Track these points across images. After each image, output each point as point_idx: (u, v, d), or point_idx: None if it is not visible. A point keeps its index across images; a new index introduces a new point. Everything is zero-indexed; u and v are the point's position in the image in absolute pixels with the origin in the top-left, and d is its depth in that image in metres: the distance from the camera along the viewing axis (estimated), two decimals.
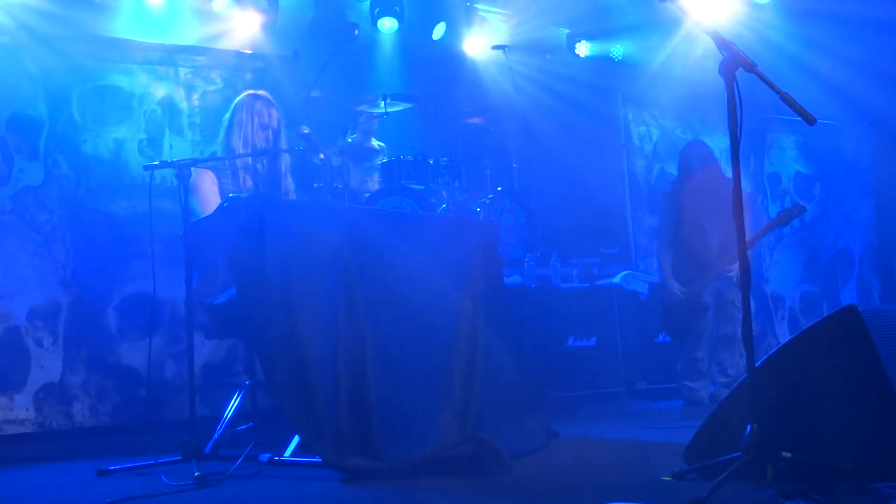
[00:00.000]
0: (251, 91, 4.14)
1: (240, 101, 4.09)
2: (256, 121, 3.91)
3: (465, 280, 3.33)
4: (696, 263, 5.38)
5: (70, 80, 5.30)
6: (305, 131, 3.86)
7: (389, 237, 3.30)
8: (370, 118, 5.86)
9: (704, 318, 5.40)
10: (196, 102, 5.75)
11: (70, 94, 5.36)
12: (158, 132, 5.66)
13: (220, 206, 3.33)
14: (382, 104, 5.64)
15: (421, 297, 3.14)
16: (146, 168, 3.58)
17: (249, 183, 3.88)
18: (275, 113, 3.99)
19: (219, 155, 3.95)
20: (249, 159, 3.86)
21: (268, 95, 4.07)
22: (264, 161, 3.93)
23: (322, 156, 4.08)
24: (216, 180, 3.83)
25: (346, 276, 2.99)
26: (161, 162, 3.62)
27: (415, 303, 3.12)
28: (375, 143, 6.13)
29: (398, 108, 5.75)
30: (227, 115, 4.06)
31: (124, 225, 5.44)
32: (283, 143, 3.96)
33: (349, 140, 5.75)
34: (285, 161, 3.98)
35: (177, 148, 5.63)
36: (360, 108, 5.85)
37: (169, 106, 5.70)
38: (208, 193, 3.75)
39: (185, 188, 3.38)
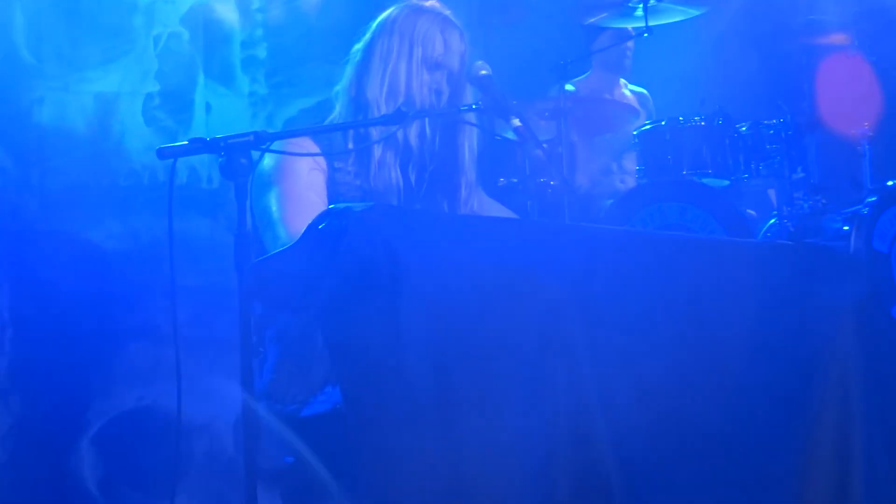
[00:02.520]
0: (411, 1, 3.75)
1: (390, 17, 3.69)
2: (420, 53, 3.59)
3: (819, 374, 3.28)
4: None
5: None
6: (484, 73, 3.59)
7: (661, 288, 3.13)
8: (617, 40, 5.99)
9: None
10: (259, 18, 5.82)
11: (12, 8, 5.36)
12: (184, 78, 5.69)
13: (311, 229, 2.91)
14: (641, 10, 5.32)
15: (731, 404, 3.15)
16: (162, 154, 2.96)
17: (396, 176, 3.60)
18: (457, 42, 3.67)
19: (334, 118, 3.68)
20: (399, 131, 3.54)
21: (443, 9, 3.74)
22: (428, 132, 3.62)
23: (517, 121, 3.56)
24: (324, 166, 3.49)
25: (572, 368, 2.91)
26: (193, 141, 2.99)
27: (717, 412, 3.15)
28: (628, 90, 6.27)
29: (671, 17, 5.49)
30: (360, 45, 3.68)
31: (115, 267, 5.43)
32: (467, 99, 3.69)
33: (570, 88, 5.62)
34: (469, 136, 3.70)
35: (222, 110, 5.73)
36: (590, 19, 5.63)
37: (206, 25, 5.73)
38: (304, 192, 3.42)
39: (241, 191, 2.88)
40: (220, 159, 3.03)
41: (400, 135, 3.65)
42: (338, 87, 3.77)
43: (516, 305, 2.94)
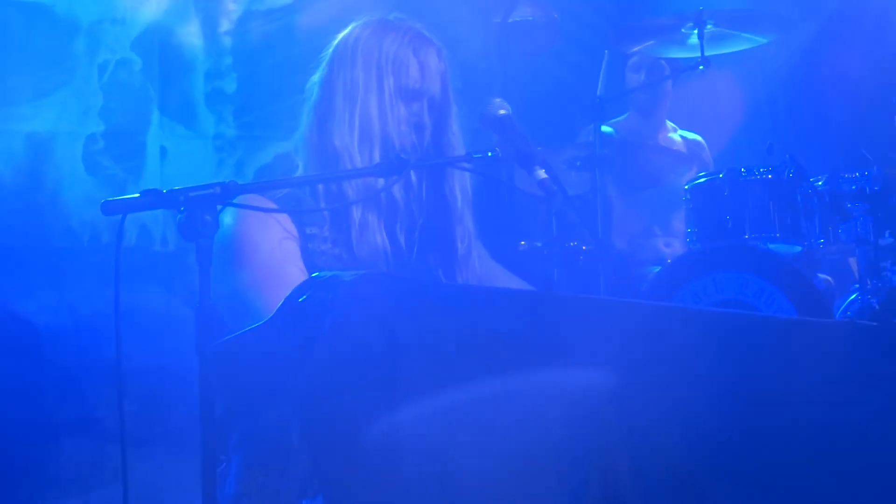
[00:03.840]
0: (371, 17, 3.75)
1: (349, 40, 3.72)
2: (391, 83, 3.63)
3: None
4: None
5: None
6: (502, 112, 3.56)
7: (714, 379, 3.08)
8: (660, 72, 6.08)
9: None
10: (227, 43, 5.99)
11: None
12: (135, 116, 5.84)
13: (289, 302, 2.88)
14: (696, 37, 5.50)
15: None
16: (107, 208, 2.90)
17: (382, 240, 3.63)
18: (434, 61, 3.69)
19: (299, 171, 3.70)
20: (380, 182, 3.52)
21: (412, 22, 3.76)
22: (414, 181, 3.70)
23: (542, 172, 3.43)
24: (295, 233, 3.48)
25: (605, 469, 2.91)
26: (145, 193, 2.98)
27: None
28: (677, 135, 6.37)
29: (732, 46, 5.65)
30: (316, 77, 3.71)
31: (49, 347, 5.46)
32: (456, 142, 3.76)
33: (607, 131, 5.81)
34: (461, 177, 3.78)
35: (181, 155, 5.81)
36: (634, 48, 5.84)
37: (162, 52, 5.90)
38: (282, 267, 3.43)
39: (205, 255, 2.83)
40: (179, 216, 2.98)
41: (381, 183, 3.60)
42: (296, 135, 3.77)
43: (537, 396, 2.90)
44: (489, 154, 3.51)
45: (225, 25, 5.82)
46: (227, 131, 5.84)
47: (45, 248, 5.46)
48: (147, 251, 5.50)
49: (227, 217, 3.40)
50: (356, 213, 3.62)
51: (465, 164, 3.63)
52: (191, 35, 5.76)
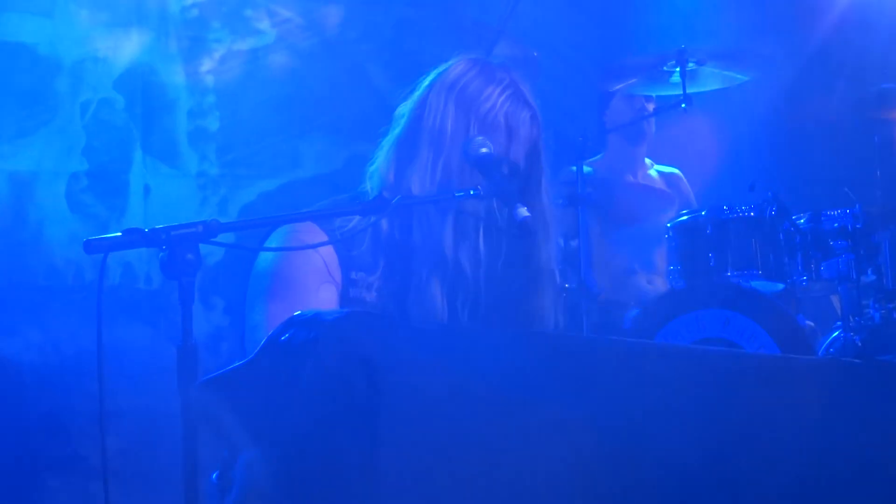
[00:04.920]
0: (474, 56, 3.78)
1: (446, 75, 3.69)
2: (503, 123, 3.63)
3: None
4: None
5: None
6: (484, 150, 3.51)
7: (698, 417, 3.10)
8: (642, 109, 6.06)
9: None
10: (210, 82, 5.98)
11: None
12: (118, 155, 5.85)
13: (271, 341, 2.85)
14: (678, 75, 5.50)
15: None
16: (90, 247, 2.90)
17: (440, 307, 3.58)
18: (527, 126, 3.67)
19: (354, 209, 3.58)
20: (450, 249, 3.60)
21: (515, 75, 3.75)
22: (483, 249, 3.62)
23: (524, 210, 3.39)
24: (339, 275, 3.55)
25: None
26: (128, 232, 3.00)
27: None
28: (654, 171, 6.38)
29: (713, 84, 5.75)
30: (408, 104, 3.65)
31: (32, 385, 5.49)
32: (547, 213, 3.74)
33: (586, 170, 5.72)
34: (546, 248, 3.70)
35: (164, 193, 5.86)
36: (617, 86, 5.87)
37: (144, 91, 5.94)
38: (305, 301, 3.46)
39: (187, 293, 2.85)
40: (162, 254, 2.98)
41: (450, 251, 3.53)
42: (372, 167, 3.65)
43: (520, 435, 2.90)
44: (471, 192, 3.47)
45: (207, 64, 5.85)
46: (210, 170, 5.85)
47: (28, 286, 5.48)
48: (131, 289, 5.51)
49: (273, 244, 3.45)
50: (420, 274, 3.54)
51: (449, 202, 3.48)
52: (173, 74, 5.80)
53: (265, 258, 3.45)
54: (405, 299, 3.58)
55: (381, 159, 3.67)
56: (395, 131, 3.69)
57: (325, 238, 3.45)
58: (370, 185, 3.66)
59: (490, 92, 3.64)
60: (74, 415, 5.36)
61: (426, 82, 3.67)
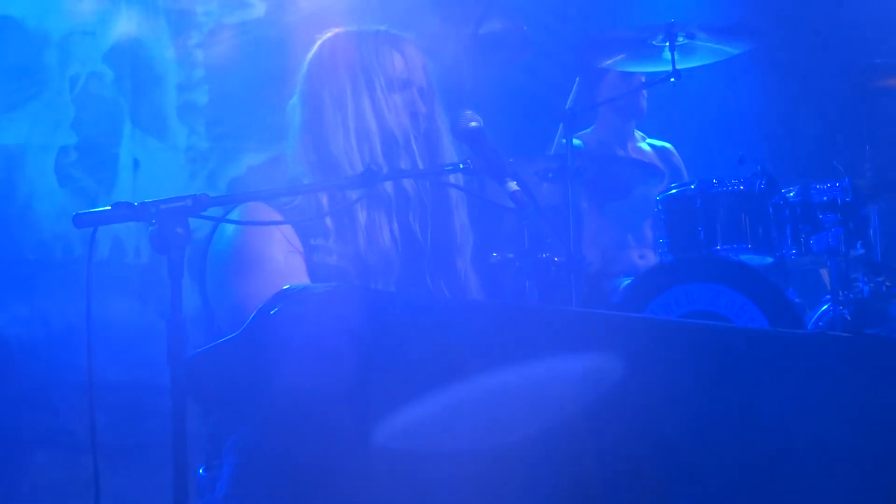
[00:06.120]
0: (334, 30, 3.74)
1: (324, 54, 3.73)
2: (382, 79, 3.62)
3: None
4: None
5: None
6: (473, 125, 3.52)
7: (688, 390, 3.13)
8: (631, 84, 6.03)
9: None
10: (199, 56, 6.01)
11: None
12: (107, 129, 5.86)
13: (261, 314, 2.83)
14: (667, 49, 5.44)
15: None
16: (79, 221, 2.91)
17: (388, 238, 3.61)
18: (415, 54, 3.70)
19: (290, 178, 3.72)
20: (388, 184, 3.62)
21: (379, 26, 3.75)
22: (415, 181, 3.72)
23: (513, 184, 3.42)
24: (299, 244, 3.45)
25: (577, 476, 2.95)
26: (117, 206, 2.95)
27: None
28: (646, 144, 6.37)
29: (703, 59, 5.67)
30: (296, 96, 3.70)
31: (21, 359, 5.53)
32: (444, 127, 3.73)
33: (576, 143, 5.61)
34: (459, 205, 3.79)
35: (153, 167, 5.86)
36: (605, 62, 5.81)
37: (133, 64, 5.94)
38: (285, 278, 3.28)
39: (177, 267, 2.86)
40: (151, 228, 2.97)
41: (389, 187, 3.63)
42: (290, 161, 3.80)
43: (508, 406, 2.91)
44: (461, 166, 3.52)
45: (196, 38, 5.85)
46: (200, 143, 5.87)
47: (17, 260, 5.50)
48: (120, 263, 5.52)
49: (228, 227, 3.44)
50: (362, 215, 3.63)
51: (439, 175, 3.62)
52: (162, 47, 5.80)
53: (222, 240, 3.48)
54: (357, 247, 3.64)
55: (293, 149, 3.77)
56: (296, 120, 3.78)
57: (277, 215, 3.51)
58: (294, 171, 3.76)
59: (369, 40, 3.72)
60: (63, 389, 5.38)
61: (303, 70, 3.79)
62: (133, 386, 5.01)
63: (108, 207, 2.98)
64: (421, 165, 3.70)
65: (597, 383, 3.05)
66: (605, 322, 3.49)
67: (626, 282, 5.39)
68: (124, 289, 5.49)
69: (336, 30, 3.78)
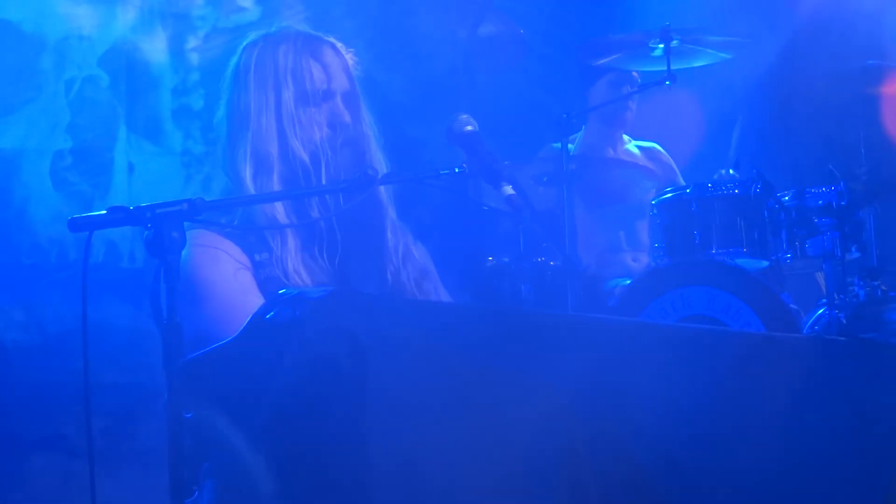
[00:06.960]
0: (256, 34, 3.75)
1: (238, 61, 3.71)
2: (292, 93, 3.59)
3: None
4: None
5: None
6: (468, 129, 3.55)
7: (682, 394, 3.08)
8: (621, 87, 6.11)
9: None
10: (194, 59, 6.05)
11: None
12: (102, 133, 5.86)
13: (256, 319, 2.82)
14: (660, 49, 5.47)
15: None
16: (75, 225, 2.96)
17: (300, 264, 3.61)
18: (334, 57, 3.67)
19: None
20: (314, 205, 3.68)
21: (300, 28, 3.80)
22: (330, 199, 3.65)
23: (509, 188, 3.47)
24: (246, 261, 3.48)
25: (574, 486, 2.93)
26: (112, 210, 3.02)
27: None
28: (633, 146, 6.42)
29: (697, 61, 5.72)
30: (221, 110, 3.71)
31: (16, 364, 5.52)
32: (371, 131, 3.73)
33: (570, 147, 5.55)
34: (387, 193, 3.73)
35: (148, 171, 5.87)
36: (600, 62, 5.84)
37: (129, 68, 5.94)
38: (244, 298, 3.40)
39: (172, 271, 2.90)
40: (146, 233, 3.01)
41: (313, 212, 3.63)
42: (225, 168, 3.76)
43: (505, 409, 2.90)
44: (456, 170, 3.51)
45: (192, 42, 5.86)
46: (195, 147, 5.85)
47: (12, 264, 5.49)
48: (115, 267, 5.50)
49: (189, 250, 3.35)
50: (290, 239, 3.64)
51: (434, 181, 3.55)
52: (158, 51, 5.80)
53: (182, 268, 3.28)
54: (286, 263, 3.63)
55: (226, 160, 3.71)
56: (220, 132, 3.73)
57: (216, 236, 3.48)
58: (233, 184, 3.69)
59: (286, 48, 3.68)
60: (58, 394, 5.35)
61: (233, 63, 3.73)
62: (129, 390, 5.00)
63: (104, 212, 2.99)
64: (342, 177, 3.62)
65: (593, 388, 3.03)
66: (602, 326, 3.46)
67: (620, 283, 5.41)
68: (119, 293, 5.48)
69: (255, 35, 3.75)
